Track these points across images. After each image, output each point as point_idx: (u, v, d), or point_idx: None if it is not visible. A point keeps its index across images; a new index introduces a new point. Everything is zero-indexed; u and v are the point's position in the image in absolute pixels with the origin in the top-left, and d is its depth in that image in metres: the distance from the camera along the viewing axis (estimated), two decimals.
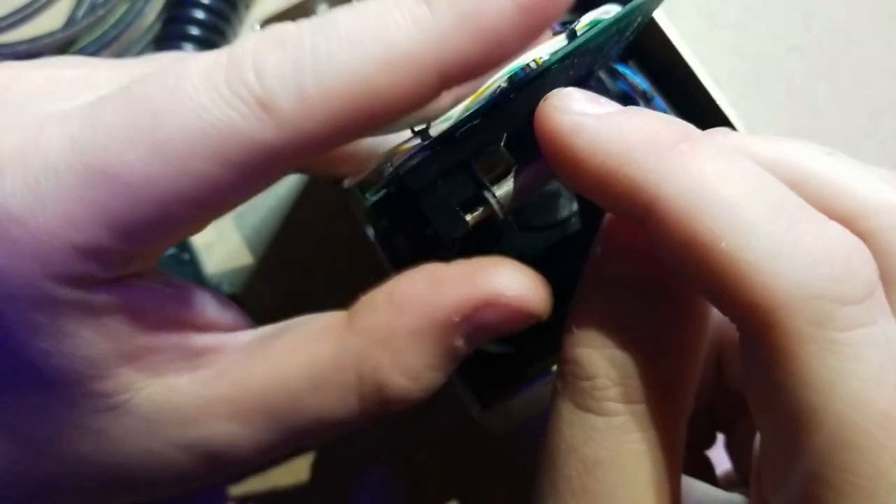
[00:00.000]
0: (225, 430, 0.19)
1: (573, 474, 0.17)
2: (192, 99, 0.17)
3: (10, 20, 0.39)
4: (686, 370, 0.18)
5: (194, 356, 0.20)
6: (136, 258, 0.18)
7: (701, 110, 0.27)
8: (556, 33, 0.19)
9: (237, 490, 0.33)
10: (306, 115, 0.17)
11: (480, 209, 0.19)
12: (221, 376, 0.20)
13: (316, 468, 0.33)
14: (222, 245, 0.35)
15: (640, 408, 0.17)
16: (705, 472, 0.25)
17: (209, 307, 0.21)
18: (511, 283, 0.19)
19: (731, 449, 0.25)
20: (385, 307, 0.19)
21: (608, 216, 0.19)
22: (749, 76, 0.38)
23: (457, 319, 0.19)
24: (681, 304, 0.18)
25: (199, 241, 0.35)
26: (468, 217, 0.19)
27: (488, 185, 0.19)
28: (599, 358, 0.17)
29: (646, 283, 0.18)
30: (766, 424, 0.16)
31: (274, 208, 0.36)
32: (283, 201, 0.36)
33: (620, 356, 0.17)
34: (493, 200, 0.19)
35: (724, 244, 0.15)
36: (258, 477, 0.33)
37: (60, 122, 0.18)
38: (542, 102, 0.18)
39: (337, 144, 0.18)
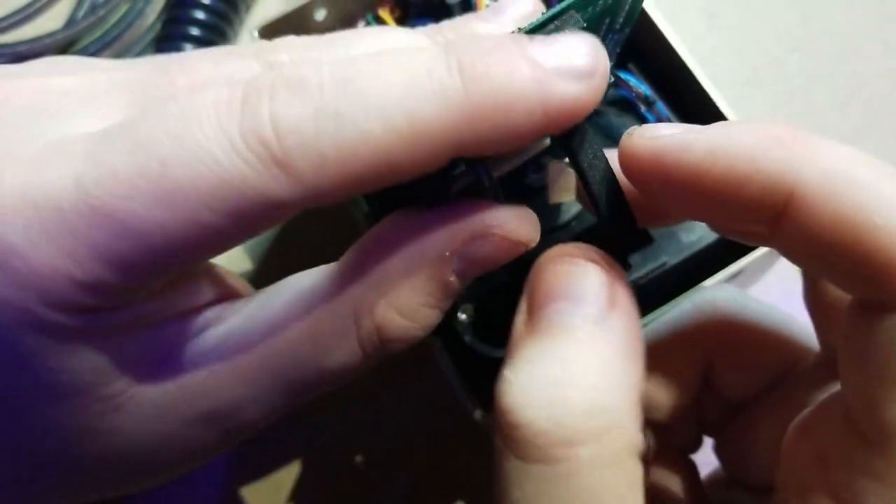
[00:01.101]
0: (233, 396, 0.20)
1: None
2: (203, 149, 0.16)
3: (11, 20, 0.39)
4: (626, 401, 0.17)
5: (196, 334, 0.20)
6: (139, 292, 0.18)
7: (700, 112, 0.27)
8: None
9: (235, 490, 0.33)
10: (322, 176, 0.17)
11: (466, 177, 0.19)
12: (222, 344, 0.20)
13: (316, 469, 0.33)
14: None
15: (587, 449, 0.16)
16: (690, 474, 0.25)
17: (208, 289, 0.20)
18: (498, 214, 0.19)
19: (720, 451, 0.25)
20: (375, 249, 0.19)
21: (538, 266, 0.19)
22: (749, 76, 0.38)
23: (447, 254, 0.19)
24: (615, 336, 0.17)
25: None
26: (454, 188, 0.19)
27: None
28: (536, 400, 0.16)
29: (574, 321, 0.17)
30: (877, 401, 0.16)
31: None
32: None
33: (557, 395, 0.16)
34: (479, 168, 0.19)
35: (877, 219, 0.15)
36: (256, 477, 0.33)
37: (64, 157, 0.17)
38: (626, 140, 0.17)
39: (346, 198, 0.18)
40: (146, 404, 0.19)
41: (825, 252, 0.16)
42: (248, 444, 0.33)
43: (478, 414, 0.25)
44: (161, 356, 0.19)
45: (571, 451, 0.16)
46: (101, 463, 0.20)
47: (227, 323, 0.20)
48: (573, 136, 0.19)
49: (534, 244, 0.19)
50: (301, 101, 0.17)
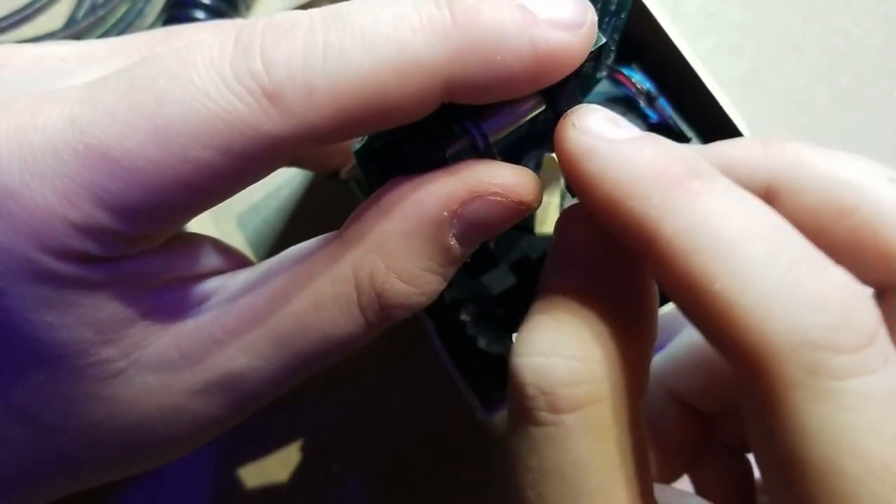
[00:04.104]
0: (236, 365, 0.19)
1: (527, 485, 0.17)
2: (196, 86, 0.17)
3: (11, 20, 0.39)
4: (622, 376, 0.17)
5: (199, 302, 0.20)
6: (137, 240, 0.18)
7: (703, 111, 0.27)
8: None
9: (232, 488, 0.33)
10: (313, 109, 0.17)
11: (461, 140, 0.19)
12: (225, 313, 0.19)
13: (316, 468, 0.33)
14: None
15: (572, 417, 0.16)
16: (739, 471, 0.25)
17: (211, 255, 0.20)
18: (495, 171, 0.19)
19: (696, 489, 0.24)
20: (373, 214, 0.19)
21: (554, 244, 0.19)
22: (749, 76, 0.38)
23: (446, 215, 0.18)
24: (609, 306, 0.18)
25: None
26: (448, 150, 0.19)
27: (469, 114, 0.19)
28: (527, 367, 0.17)
29: (570, 289, 0.18)
30: (764, 467, 0.16)
31: (276, 209, 0.36)
32: (286, 202, 0.36)
33: (544, 364, 0.17)
34: (473, 131, 0.19)
35: (717, 286, 0.15)
36: (255, 476, 0.33)
37: (60, 101, 0.18)
38: (563, 118, 0.18)
39: (339, 140, 0.18)
40: (148, 373, 0.19)
41: (679, 305, 0.16)
42: (244, 441, 0.33)
43: (480, 413, 0.25)
44: (163, 322, 0.19)
45: (558, 417, 0.16)
46: (108, 434, 0.20)
47: (229, 292, 0.20)
48: (561, 95, 0.18)
49: (536, 206, 0.19)
50: (291, 37, 0.17)
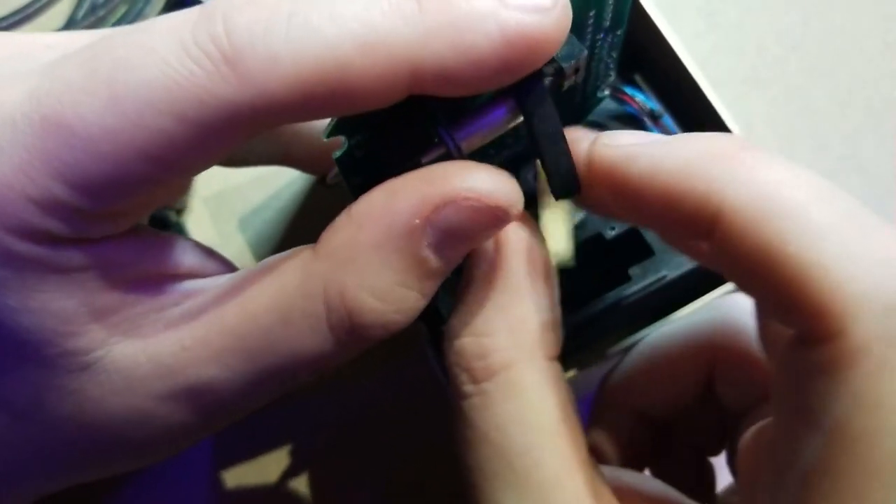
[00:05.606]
0: (204, 375, 0.19)
1: (467, 455, 0.19)
2: (154, 51, 0.16)
3: (10, 20, 0.39)
4: (527, 340, 0.19)
5: (171, 305, 0.19)
6: (105, 219, 0.18)
7: (699, 112, 0.27)
8: None
9: (231, 488, 0.33)
10: (273, 77, 0.16)
11: (436, 148, 0.18)
12: (197, 320, 0.19)
13: (315, 467, 0.33)
14: (225, 249, 0.35)
15: (489, 384, 0.18)
16: (699, 473, 0.25)
17: (188, 256, 0.20)
18: (469, 176, 0.17)
19: (731, 463, 0.25)
20: (345, 225, 0.18)
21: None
22: (748, 75, 0.38)
23: (418, 223, 0.17)
24: (507, 285, 0.19)
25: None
26: (423, 158, 0.18)
27: (444, 121, 0.18)
28: (449, 350, 0.19)
29: (471, 273, 0.20)
30: (790, 431, 0.15)
31: (277, 211, 0.36)
32: (287, 204, 0.36)
33: (458, 344, 0.19)
34: (447, 138, 0.18)
35: (792, 248, 0.15)
36: (254, 476, 0.33)
37: (24, 78, 0.17)
38: (591, 147, 0.18)
39: (301, 118, 0.17)
40: (115, 373, 0.19)
41: (749, 277, 0.16)
42: (242, 441, 0.33)
43: None
44: (132, 321, 0.19)
45: (478, 387, 0.19)
46: (80, 430, 0.19)
47: (203, 298, 0.19)
48: (530, 93, 0.18)
49: (515, 212, 0.18)
50: (256, 8, 0.16)
